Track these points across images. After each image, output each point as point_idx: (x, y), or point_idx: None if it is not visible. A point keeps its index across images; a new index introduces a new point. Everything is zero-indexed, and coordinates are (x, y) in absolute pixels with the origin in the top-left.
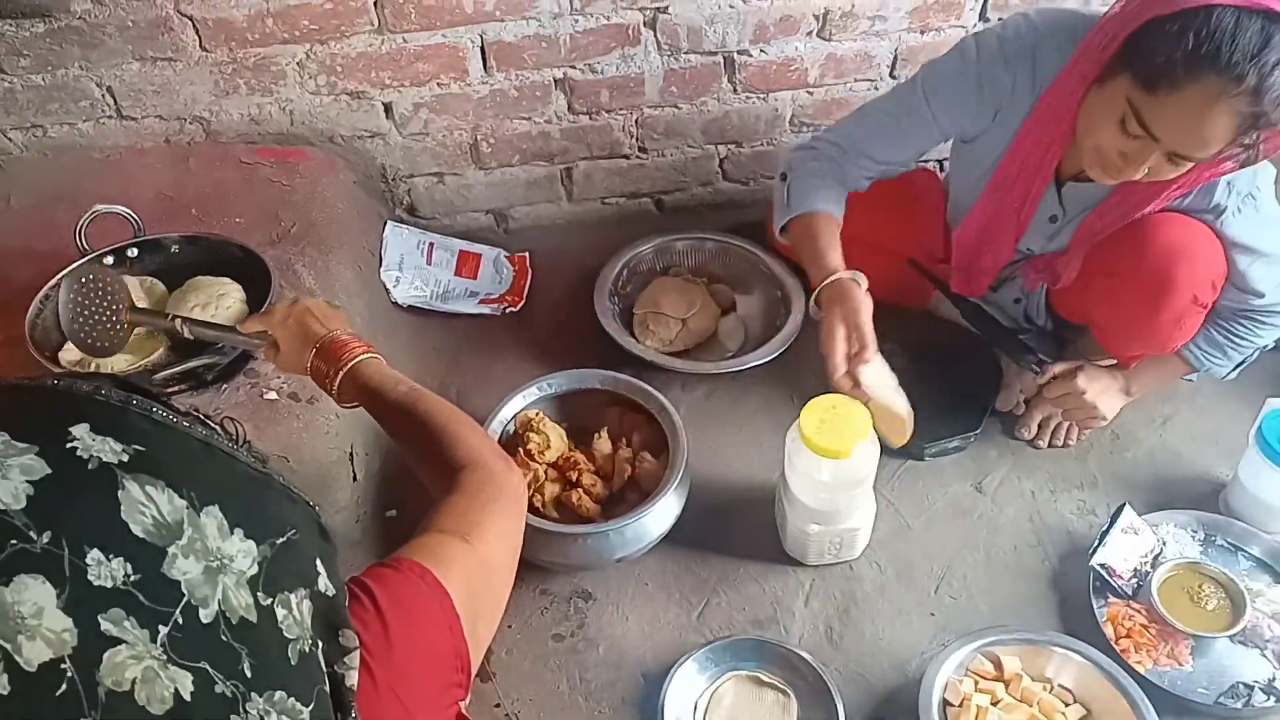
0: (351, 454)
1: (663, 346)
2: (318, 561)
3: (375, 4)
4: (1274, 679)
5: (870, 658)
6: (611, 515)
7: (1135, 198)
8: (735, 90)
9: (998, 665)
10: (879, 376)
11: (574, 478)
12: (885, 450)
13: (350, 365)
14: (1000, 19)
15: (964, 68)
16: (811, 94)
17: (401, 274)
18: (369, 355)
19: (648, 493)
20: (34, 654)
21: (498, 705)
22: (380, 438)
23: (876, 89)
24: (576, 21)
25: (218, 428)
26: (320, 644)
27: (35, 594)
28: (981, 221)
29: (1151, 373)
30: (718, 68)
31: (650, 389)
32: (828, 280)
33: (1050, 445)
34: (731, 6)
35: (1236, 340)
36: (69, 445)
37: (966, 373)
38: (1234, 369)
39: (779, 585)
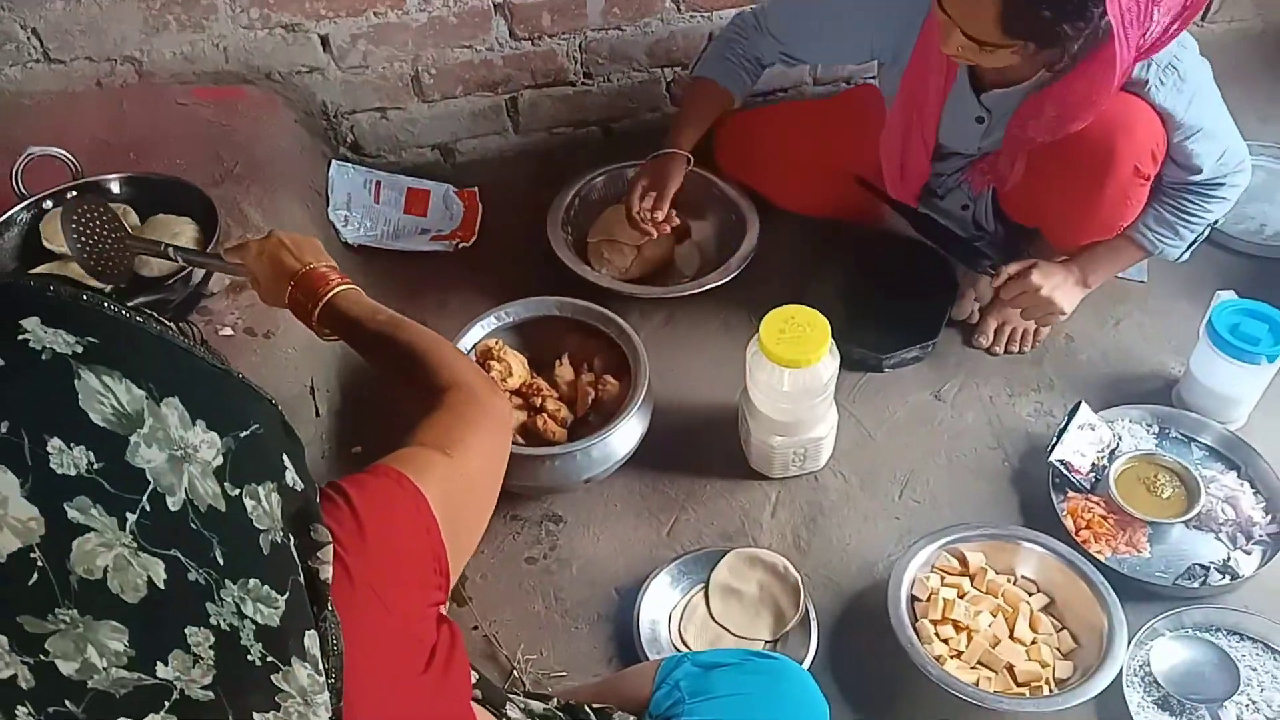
0: (312, 389)
1: (619, 274)
2: (284, 457)
3: None
4: (1228, 559)
5: (839, 562)
6: (577, 438)
7: (1067, 109)
8: (679, 9)
9: (962, 561)
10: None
11: (538, 403)
12: (845, 362)
13: (328, 297)
14: None
15: None
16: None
17: (350, 214)
18: (346, 286)
19: (612, 415)
20: (2, 543)
21: (475, 628)
22: (342, 372)
23: None
24: None
25: (173, 326)
26: (292, 538)
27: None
28: (901, 126)
29: (1105, 260)
30: None
31: (609, 313)
32: (663, 150)
33: (1006, 351)
34: None
35: (1186, 217)
36: (20, 337)
37: (923, 284)
38: (1186, 249)
39: (746, 499)
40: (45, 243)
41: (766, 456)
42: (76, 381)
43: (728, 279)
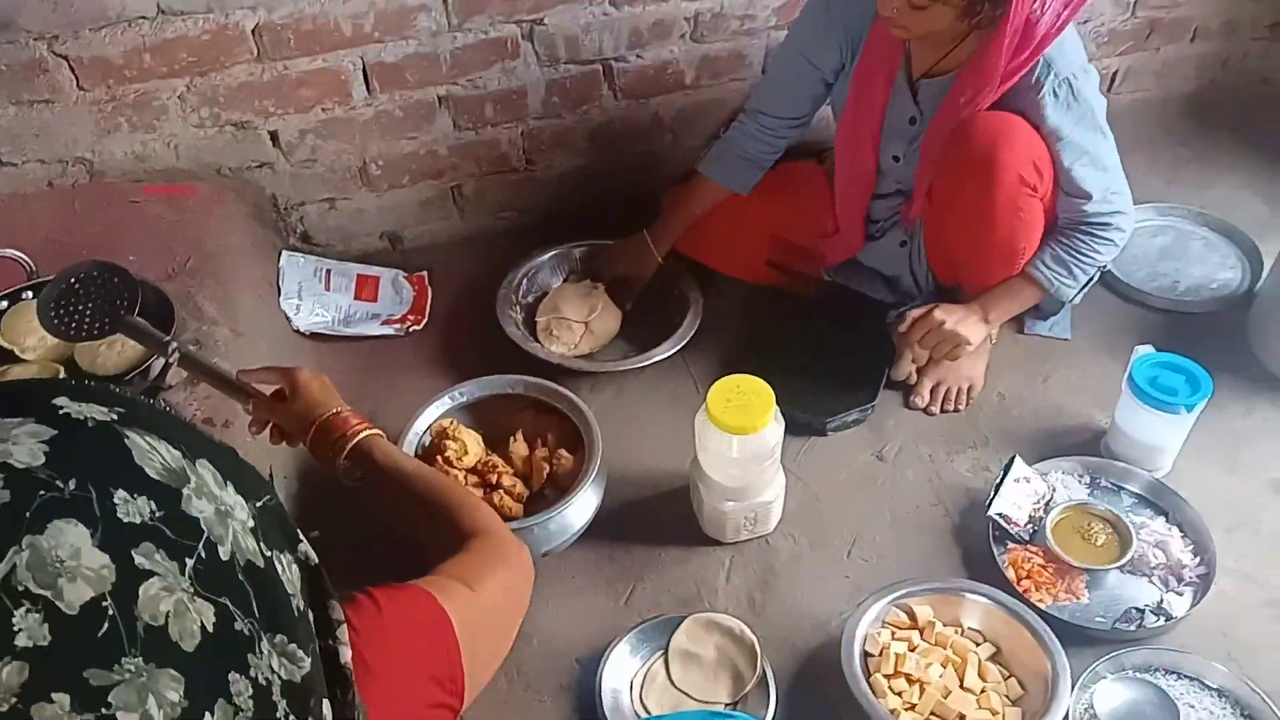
0: (270, 475)
1: (568, 350)
2: (298, 532)
3: (254, 32)
4: (1162, 601)
5: (793, 622)
6: (534, 513)
7: (968, 88)
8: (616, 97)
9: (911, 615)
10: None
11: (494, 480)
12: (790, 427)
13: (356, 440)
14: None
15: (812, 6)
16: (689, 95)
17: (301, 301)
18: (372, 431)
19: (567, 488)
20: (76, 595)
21: None
22: (298, 458)
23: (752, 88)
24: (455, 39)
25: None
26: (310, 611)
27: (71, 536)
28: (851, 128)
29: (1003, 297)
30: (597, 75)
31: (560, 388)
32: (644, 231)
33: (943, 410)
34: (605, 14)
35: (1079, 256)
36: (62, 411)
37: (861, 347)
38: (1079, 290)
39: (700, 565)
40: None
41: (719, 522)
42: (126, 440)
43: (674, 351)
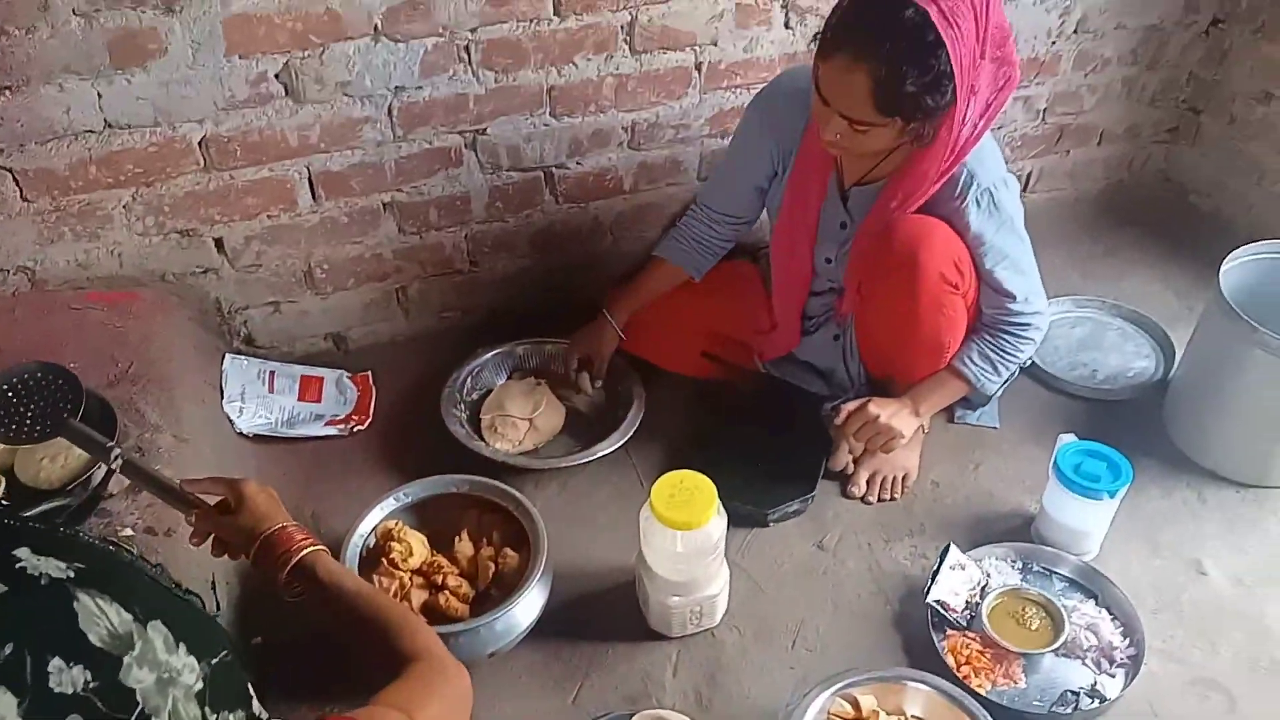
0: (213, 583)
1: (512, 448)
2: (249, 686)
3: (200, 144)
4: (1095, 684)
5: (740, 716)
6: (480, 613)
7: (899, 195)
8: (557, 202)
9: (855, 705)
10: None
11: (439, 581)
12: (732, 519)
13: (299, 557)
14: None
15: (748, 116)
16: (628, 200)
17: (244, 404)
18: (317, 547)
19: (513, 587)
20: None
21: None
22: (239, 566)
23: (688, 192)
24: (400, 148)
25: (132, 551)
26: None
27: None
28: (786, 235)
29: (931, 391)
30: (538, 182)
31: (505, 487)
32: (601, 313)
33: (880, 500)
34: (546, 125)
35: (1002, 354)
36: (18, 565)
37: (799, 439)
38: (1001, 385)
39: (647, 661)
40: None
41: (665, 617)
42: (75, 604)
43: (617, 446)
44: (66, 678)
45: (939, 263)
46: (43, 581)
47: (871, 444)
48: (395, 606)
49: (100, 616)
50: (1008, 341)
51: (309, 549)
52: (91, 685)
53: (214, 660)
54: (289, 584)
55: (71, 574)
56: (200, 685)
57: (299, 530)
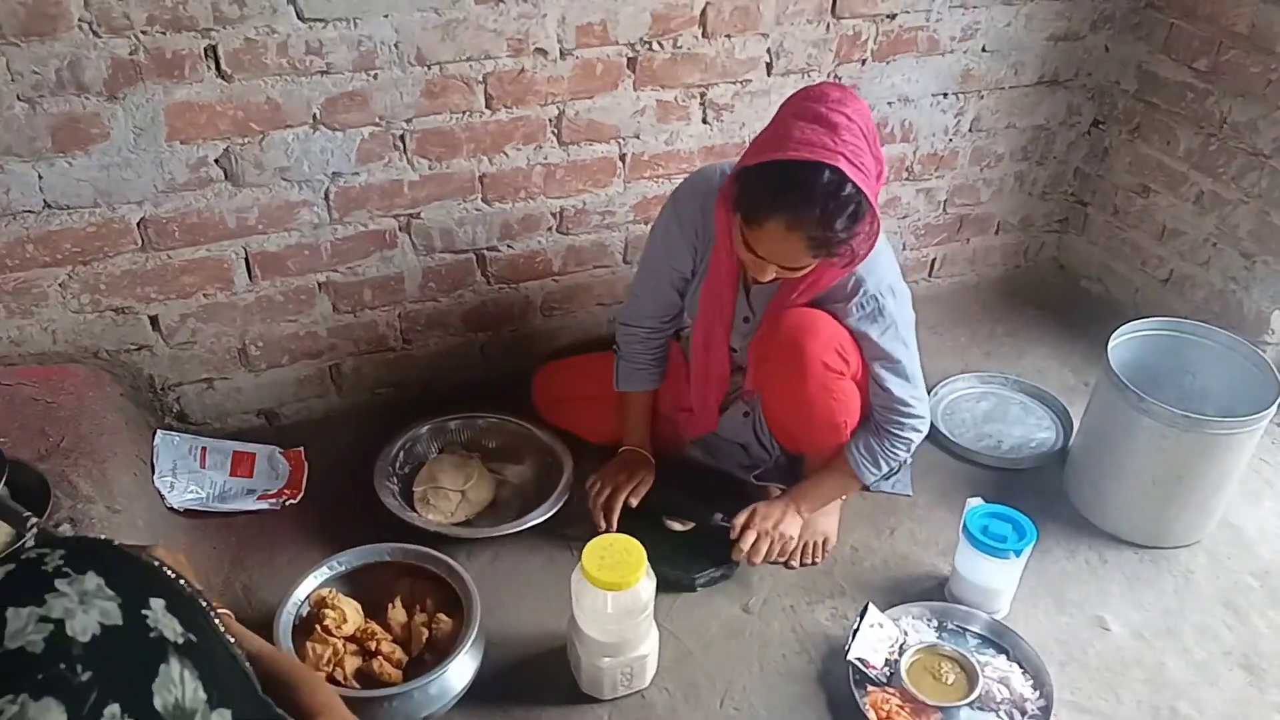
0: None
1: (445, 519)
2: None
3: (139, 224)
4: None
5: None
6: (414, 678)
7: (792, 292)
8: (489, 282)
9: None
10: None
11: (373, 648)
12: (661, 585)
13: None
14: None
15: (665, 221)
16: (557, 281)
17: (176, 479)
18: (221, 611)
19: (446, 653)
20: None
21: None
22: None
23: (614, 274)
24: (336, 230)
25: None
26: None
27: (52, 718)
28: (704, 332)
29: (814, 488)
30: (470, 263)
31: (437, 554)
32: (622, 449)
33: (801, 564)
34: (478, 210)
35: (884, 451)
36: (144, 611)
37: (724, 508)
38: (879, 478)
39: None
40: None
41: (596, 678)
42: (163, 665)
43: (548, 515)
44: None
45: (822, 351)
46: (152, 635)
47: (771, 549)
48: (297, 666)
49: (177, 687)
50: (887, 442)
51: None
52: None
53: None
54: None
55: (180, 640)
56: None
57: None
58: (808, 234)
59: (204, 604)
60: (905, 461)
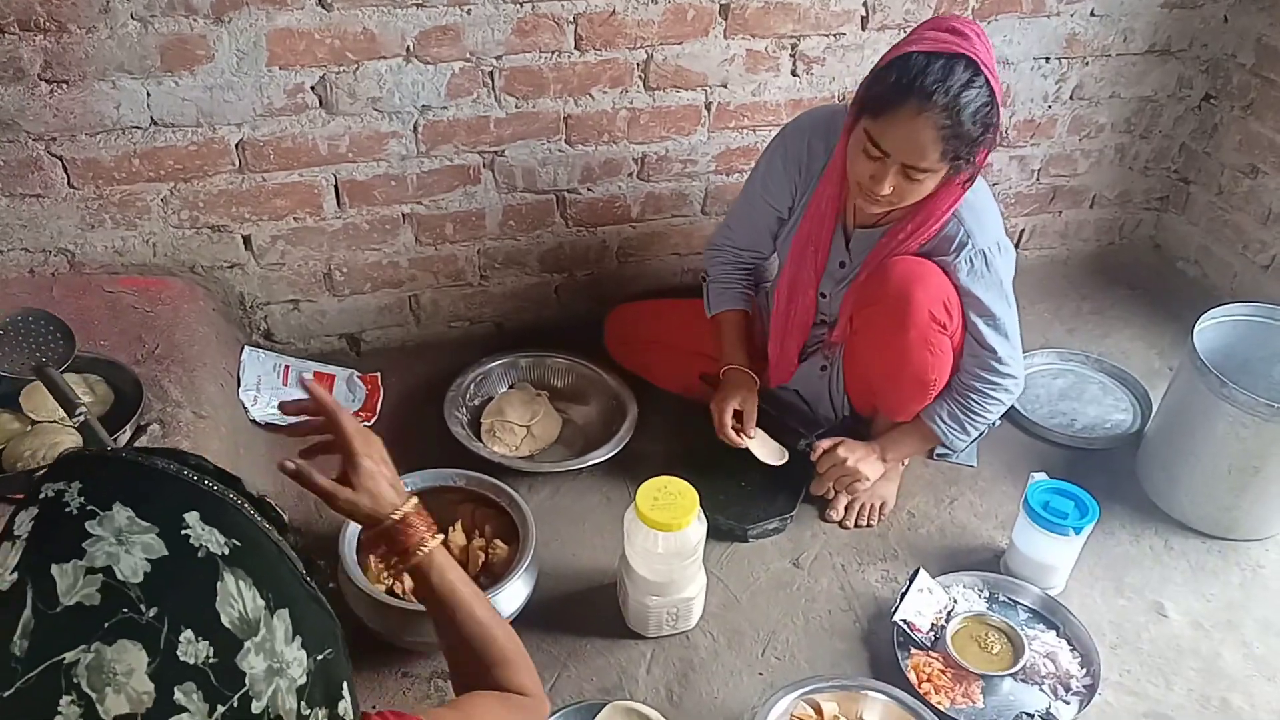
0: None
1: (509, 452)
2: (344, 685)
3: (237, 146)
4: (1049, 708)
5: (708, 714)
6: None
7: (899, 235)
8: (567, 225)
9: (818, 710)
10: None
11: None
12: (713, 533)
13: (421, 556)
14: None
15: (770, 154)
16: (635, 228)
17: (259, 394)
18: (435, 543)
19: (500, 577)
20: (115, 706)
21: None
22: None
23: (692, 224)
24: (422, 163)
25: (284, 530)
26: None
27: (132, 658)
28: (791, 276)
29: (901, 440)
30: (550, 204)
31: (499, 483)
32: (725, 368)
33: (855, 525)
34: (560, 151)
35: (971, 414)
36: (183, 532)
37: (783, 462)
38: (969, 442)
39: (623, 656)
40: None
41: (642, 616)
42: (219, 583)
43: (609, 456)
44: (192, 649)
45: (931, 302)
46: (200, 554)
47: (838, 484)
48: (509, 638)
49: (237, 600)
50: (976, 402)
51: (427, 547)
52: (211, 661)
53: (319, 656)
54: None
55: (226, 551)
56: (304, 680)
57: (420, 519)
58: (939, 121)
59: (235, 495)
60: (993, 424)
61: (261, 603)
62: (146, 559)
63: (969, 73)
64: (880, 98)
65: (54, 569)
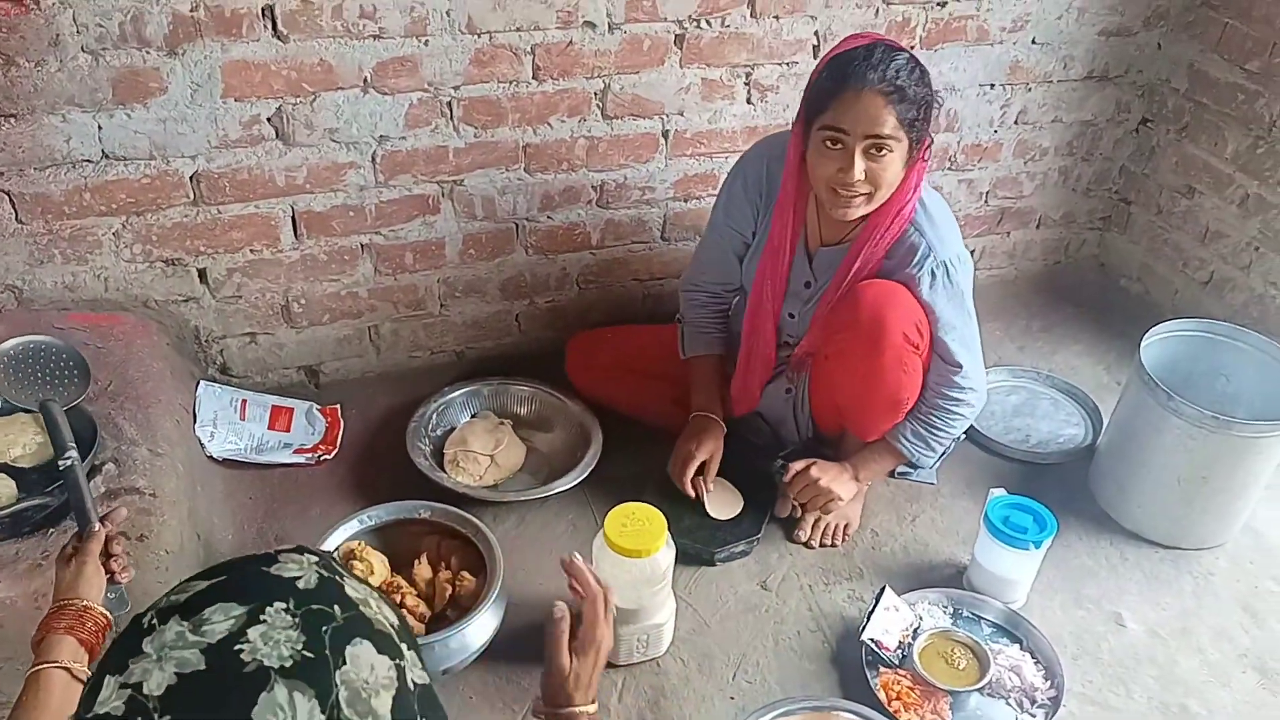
0: None
1: (473, 482)
2: None
3: (192, 179)
4: None
5: None
6: (435, 632)
7: (861, 261)
8: (528, 252)
9: None
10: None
11: (398, 600)
12: (681, 557)
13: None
14: None
15: (730, 182)
16: (595, 255)
17: (216, 429)
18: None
19: (468, 610)
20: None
21: None
22: None
23: (651, 250)
24: (381, 193)
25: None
26: None
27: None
28: (756, 299)
29: (871, 460)
30: (510, 233)
31: (465, 514)
32: (693, 415)
33: (821, 545)
34: (519, 179)
35: (933, 430)
36: (236, 647)
37: (747, 485)
38: (936, 460)
39: None
40: None
41: (613, 643)
42: (264, 694)
43: (575, 483)
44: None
45: (903, 324)
46: (247, 669)
47: (811, 504)
48: None
49: (285, 710)
50: (939, 419)
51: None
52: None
53: None
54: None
55: (287, 665)
56: None
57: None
58: (883, 90)
59: (332, 609)
60: (957, 440)
61: (322, 717)
62: (176, 673)
63: (891, 50)
64: (823, 91)
65: (105, 679)
